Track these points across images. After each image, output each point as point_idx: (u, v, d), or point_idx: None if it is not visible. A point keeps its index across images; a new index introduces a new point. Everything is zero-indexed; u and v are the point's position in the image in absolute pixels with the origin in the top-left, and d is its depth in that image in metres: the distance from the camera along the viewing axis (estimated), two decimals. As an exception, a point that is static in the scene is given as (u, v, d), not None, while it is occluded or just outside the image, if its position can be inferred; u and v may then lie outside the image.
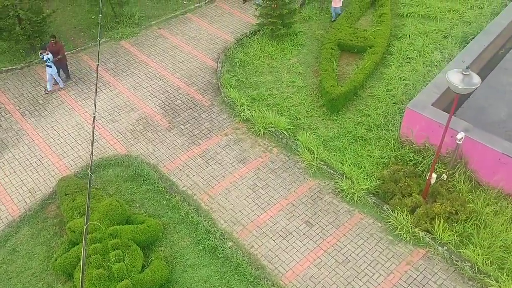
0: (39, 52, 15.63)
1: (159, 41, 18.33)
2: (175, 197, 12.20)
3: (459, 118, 12.35)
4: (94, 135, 14.19)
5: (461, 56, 14.74)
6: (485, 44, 15.15)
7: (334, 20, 18.66)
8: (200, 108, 15.22)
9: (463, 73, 9.37)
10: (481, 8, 19.18)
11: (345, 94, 14.76)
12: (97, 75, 8.54)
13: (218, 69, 16.71)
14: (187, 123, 14.68)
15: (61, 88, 16.00)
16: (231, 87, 15.76)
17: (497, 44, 16.13)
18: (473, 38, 17.08)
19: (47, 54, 15.15)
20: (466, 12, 18.94)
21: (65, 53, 16.20)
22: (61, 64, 15.94)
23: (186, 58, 17.46)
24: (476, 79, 9.31)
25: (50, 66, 15.37)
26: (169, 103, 15.44)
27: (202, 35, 18.65)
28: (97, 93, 15.81)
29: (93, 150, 13.46)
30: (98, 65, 8.65)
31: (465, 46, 16.95)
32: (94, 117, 8.23)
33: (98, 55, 8.90)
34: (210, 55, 17.56)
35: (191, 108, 15.22)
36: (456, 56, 16.22)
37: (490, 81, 15.52)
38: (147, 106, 15.35)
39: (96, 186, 12.65)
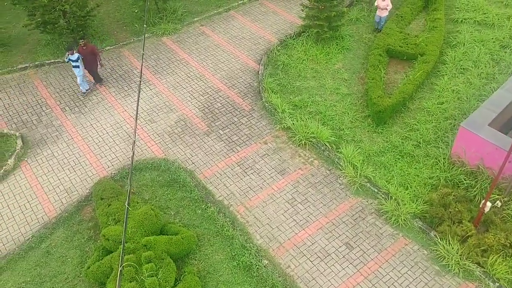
0: (66, 54, 14.82)
1: (201, 39, 17.95)
2: (211, 207, 11.86)
3: (519, 142, 11.39)
4: (133, 136, 14.01)
5: (523, 71, 13.64)
6: (550, 59, 13.97)
7: (379, 30, 17.61)
8: (240, 113, 14.78)
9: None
10: (545, 18, 17.80)
11: (393, 106, 13.97)
12: (140, 81, 8.20)
13: (260, 71, 16.19)
14: (226, 128, 14.28)
15: (83, 93, 15.38)
16: (272, 92, 15.23)
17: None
18: (535, 48, 15.90)
19: (72, 54, 14.52)
20: (528, 25, 17.64)
21: (102, 51, 15.91)
22: (90, 67, 15.16)
23: (228, 58, 17.01)
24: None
25: (78, 67, 14.81)
26: (209, 106, 15.07)
27: (245, 34, 18.14)
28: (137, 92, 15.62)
29: (131, 152, 13.26)
30: (141, 74, 8.32)
31: (526, 59, 15.82)
32: (135, 135, 7.90)
33: (142, 61, 8.53)
34: (252, 56, 17.04)
35: (230, 112, 14.80)
36: (516, 69, 15.15)
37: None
38: (186, 107, 15.03)
39: (133, 190, 12.45)
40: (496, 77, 15.18)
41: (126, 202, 7.17)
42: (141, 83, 16.01)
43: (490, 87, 14.76)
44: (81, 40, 14.92)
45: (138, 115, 14.80)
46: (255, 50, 17.31)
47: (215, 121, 14.51)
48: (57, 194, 12.47)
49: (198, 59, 16.97)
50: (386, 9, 17.13)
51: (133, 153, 7.56)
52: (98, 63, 15.22)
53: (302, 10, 16.98)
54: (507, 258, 10.27)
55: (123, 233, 7.74)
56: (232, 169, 13.01)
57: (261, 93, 15.31)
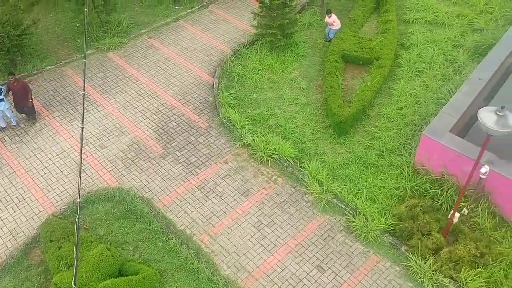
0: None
1: (150, 53, 17.01)
2: (172, 239, 11.10)
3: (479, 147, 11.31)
4: (82, 165, 12.98)
5: (477, 73, 13.69)
6: (501, 59, 14.12)
7: (329, 40, 17.24)
8: (197, 131, 14.04)
9: (497, 113, 8.33)
10: (491, 13, 18.11)
11: (354, 116, 13.68)
12: (84, 102, 7.34)
13: (214, 85, 15.49)
14: (183, 149, 13.51)
15: (14, 125, 14.02)
16: (229, 106, 14.58)
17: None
18: (485, 48, 16.07)
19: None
20: (475, 18, 17.87)
21: (38, 73, 14.57)
22: (21, 104, 13.65)
23: (180, 72, 16.19)
24: (512, 120, 8.28)
25: (2, 100, 13.49)
26: (163, 125, 14.23)
27: (196, 45, 17.36)
28: (84, 114, 14.50)
29: (81, 183, 12.29)
30: (84, 94, 7.46)
31: (477, 57, 15.96)
32: (80, 164, 7.08)
33: (84, 79, 7.69)
34: (205, 69, 16.31)
35: (186, 131, 14.03)
36: (472, 71, 15.23)
37: (507, 96, 14.52)
38: (138, 129, 14.13)
39: (85, 226, 11.48)
40: (452, 78, 15.22)
41: (74, 246, 6.35)
42: (88, 104, 14.94)
43: (446, 89, 14.75)
44: (10, 76, 13.52)
45: (86, 140, 13.76)
46: (208, 62, 16.59)
47: (171, 142, 13.70)
48: (0, 237, 11.31)
49: (148, 75, 16.05)
50: (333, 25, 16.78)
51: (80, 185, 6.80)
52: (30, 100, 13.76)
53: (254, 19, 16.41)
54: (479, 268, 10.15)
55: (73, 279, 6.96)
56: (192, 194, 12.29)
57: (218, 109, 14.63)
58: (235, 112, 14.32)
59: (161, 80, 15.84)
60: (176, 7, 19.31)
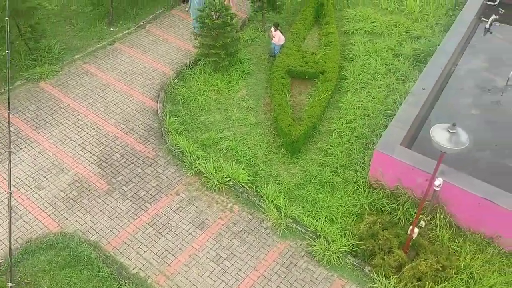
0: None
1: (86, 80, 15.99)
2: (125, 285, 10.27)
3: (430, 159, 11.41)
4: (18, 210, 11.84)
5: (420, 82, 13.90)
6: (441, 67, 14.45)
7: (273, 56, 17.03)
8: (144, 162, 13.25)
9: (449, 131, 8.31)
10: (426, 20, 18.65)
11: (305, 134, 13.46)
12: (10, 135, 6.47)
13: (159, 110, 14.77)
14: (130, 182, 12.68)
15: None
16: (176, 132, 13.91)
17: (451, 62, 15.55)
18: (424, 55, 16.46)
19: None
20: (412, 26, 18.32)
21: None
22: None
23: (120, 98, 15.31)
24: (464, 137, 8.28)
25: None
26: (106, 158, 13.32)
27: (136, 68, 16.53)
28: (17, 153, 13.33)
29: (18, 230, 11.19)
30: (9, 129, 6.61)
31: (417, 65, 16.30)
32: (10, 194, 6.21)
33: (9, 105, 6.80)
34: (148, 93, 15.53)
35: (132, 163, 13.21)
36: (414, 80, 15.51)
37: (447, 103, 14.89)
38: (79, 164, 13.13)
39: (26, 280, 10.40)
40: (396, 88, 15.41)
41: None
42: (21, 141, 13.72)
43: (392, 99, 14.91)
44: None
45: (21, 182, 12.58)
46: (150, 86, 15.82)
47: (116, 176, 12.82)
48: None
49: (86, 104, 15.04)
50: (275, 39, 16.52)
51: (10, 234, 5.93)
52: None
53: (195, 39, 15.86)
54: (442, 283, 10.14)
55: None
56: (144, 232, 11.50)
57: (164, 136, 13.91)
58: (183, 138, 13.68)
59: (101, 108, 14.89)
60: (111, 29, 18.37)
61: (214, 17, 14.80)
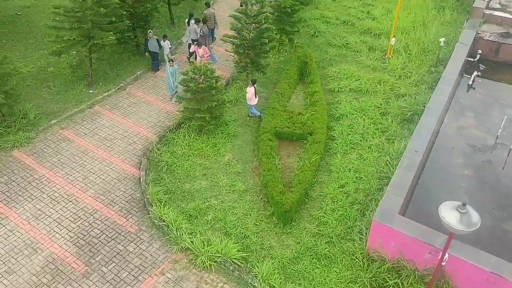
0: None
1: (63, 146, 15.15)
2: None
3: (434, 230, 10.84)
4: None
5: (412, 144, 13.57)
6: (431, 128, 14.22)
7: (252, 117, 16.61)
8: (125, 238, 12.28)
9: (459, 211, 7.77)
10: (410, 77, 18.70)
11: (297, 202, 12.81)
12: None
13: (141, 178, 13.95)
14: (111, 262, 11.65)
15: None
16: (160, 203, 13.06)
17: (440, 121, 15.39)
18: (411, 114, 16.30)
19: None
20: (396, 83, 18.30)
21: None
22: None
23: (100, 166, 14.47)
24: (476, 217, 7.76)
25: None
26: (84, 235, 12.30)
27: (116, 133, 15.81)
28: (-15, 232, 12.20)
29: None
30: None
31: (406, 124, 16.09)
32: None
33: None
34: (129, 160, 14.75)
35: (113, 239, 12.22)
36: (403, 139, 15.23)
37: (438, 163, 14.58)
38: (54, 243, 12.07)
39: None
40: (386, 149, 15.05)
41: None
42: (-10, 218, 12.63)
43: (384, 161, 14.51)
44: None
45: (-11, 267, 11.41)
46: (132, 152, 15.07)
47: (94, 256, 11.78)
48: None
49: (63, 174, 14.13)
50: (250, 98, 15.94)
51: None
52: None
53: (179, 103, 15.35)
54: None
55: None
56: (126, 321, 10.40)
57: (148, 207, 13.04)
58: (168, 209, 12.83)
59: (79, 178, 13.99)
60: (90, 91, 17.76)
61: (198, 80, 14.37)
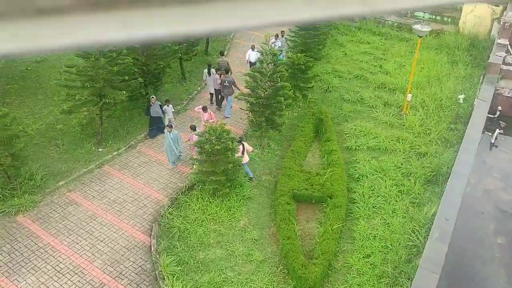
0: None
1: (71, 211, 14.38)
2: None
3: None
4: None
5: (441, 210, 12.76)
6: (461, 192, 13.44)
7: (251, 179, 15.77)
8: (135, 317, 11.28)
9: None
10: (429, 135, 18.11)
11: (322, 276, 11.86)
12: None
13: (152, 247, 13.07)
14: None
15: None
16: (173, 277, 12.11)
17: (468, 184, 14.63)
18: (434, 174, 15.57)
19: None
20: (415, 141, 17.70)
21: None
22: None
23: (108, 233, 13.63)
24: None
25: None
26: (90, 313, 11.31)
27: (126, 195, 15.07)
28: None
29: None
30: None
31: (430, 187, 15.32)
32: None
33: None
34: (139, 226, 13.93)
35: (122, 319, 11.22)
36: (427, 202, 14.42)
37: (470, 231, 13.69)
38: (58, 323, 11.06)
39: None
40: (411, 213, 14.21)
41: None
42: (-11, 294, 11.68)
43: (410, 227, 13.63)
44: None
45: None
46: (142, 216, 14.27)
47: (102, 338, 10.75)
48: None
49: (69, 242, 13.28)
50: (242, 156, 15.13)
51: None
52: None
53: (192, 165, 14.69)
54: None
55: None
56: None
57: (159, 281, 12.08)
58: (181, 283, 11.87)
59: (86, 247, 13.13)
60: (100, 150, 17.19)
61: (214, 142, 13.79)
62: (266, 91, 16.23)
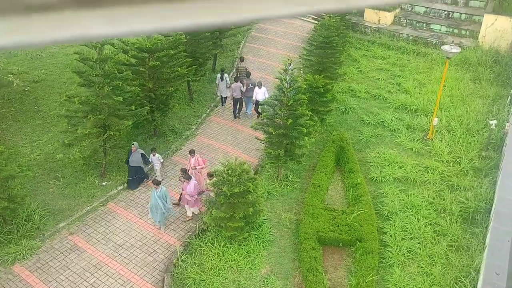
0: None
1: (73, 258, 12.97)
2: None
3: None
4: None
5: (489, 263, 11.38)
6: (509, 240, 12.07)
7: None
8: None
9: None
10: (459, 163, 16.76)
11: None
12: None
13: (165, 304, 11.68)
14: None
15: None
16: None
17: None
18: (472, 212, 14.22)
19: None
20: (445, 171, 16.34)
21: None
22: None
23: (116, 286, 12.21)
24: None
25: None
26: None
27: (134, 239, 13.68)
28: None
29: None
30: None
31: (468, 227, 13.95)
32: None
33: None
34: (149, 276, 12.53)
35: None
36: (466, 245, 13.05)
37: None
38: None
39: None
40: (451, 261, 12.84)
41: None
42: None
43: (452, 278, 12.26)
44: None
45: None
46: (152, 265, 12.87)
47: None
48: None
49: (72, 297, 11.87)
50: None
51: None
52: None
53: (206, 212, 13.27)
54: None
55: None
56: None
57: None
58: None
59: (91, 304, 11.72)
60: (103, 183, 15.80)
61: (233, 183, 12.39)
62: (285, 120, 14.86)
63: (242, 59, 20.87)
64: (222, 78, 19.58)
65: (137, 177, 15.42)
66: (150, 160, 15.38)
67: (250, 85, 18.97)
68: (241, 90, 18.88)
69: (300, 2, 0.66)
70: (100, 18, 0.59)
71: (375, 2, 0.78)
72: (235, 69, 20.51)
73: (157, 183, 13.46)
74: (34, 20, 0.57)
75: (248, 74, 19.52)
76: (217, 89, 20.22)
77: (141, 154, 15.13)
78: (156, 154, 15.39)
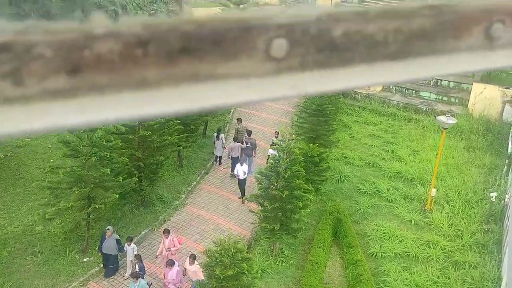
0: None
1: None
2: None
3: None
4: None
5: None
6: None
7: None
8: None
9: None
10: (461, 238, 16.04)
11: None
12: None
13: None
14: None
15: None
16: None
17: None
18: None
19: None
20: (447, 246, 15.59)
21: None
22: None
23: None
24: None
25: None
26: None
27: (115, 326, 12.39)
28: None
29: None
30: None
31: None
32: None
33: None
34: None
35: None
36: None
37: None
38: None
39: None
40: None
41: None
42: None
43: None
44: None
45: None
46: None
47: None
48: None
49: None
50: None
51: None
52: None
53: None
54: None
55: None
56: None
57: None
58: None
59: None
60: (85, 259, 14.65)
61: (226, 264, 11.44)
62: (281, 192, 14.18)
63: (240, 120, 20.83)
64: (218, 137, 19.82)
65: (111, 267, 14.00)
66: (125, 249, 13.76)
67: (249, 143, 19.22)
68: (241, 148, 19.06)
69: (258, 89, 0.68)
70: (71, 109, 0.60)
71: (325, 88, 0.74)
72: (235, 130, 20.64)
73: (136, 275, 12.21)
74: (12, 110, 0.58)
75: (249, 133, 19.79)
76: (214, 147, 20.32)
77: (116, 240, 13.65)
78: (132, 244, 13.82)
